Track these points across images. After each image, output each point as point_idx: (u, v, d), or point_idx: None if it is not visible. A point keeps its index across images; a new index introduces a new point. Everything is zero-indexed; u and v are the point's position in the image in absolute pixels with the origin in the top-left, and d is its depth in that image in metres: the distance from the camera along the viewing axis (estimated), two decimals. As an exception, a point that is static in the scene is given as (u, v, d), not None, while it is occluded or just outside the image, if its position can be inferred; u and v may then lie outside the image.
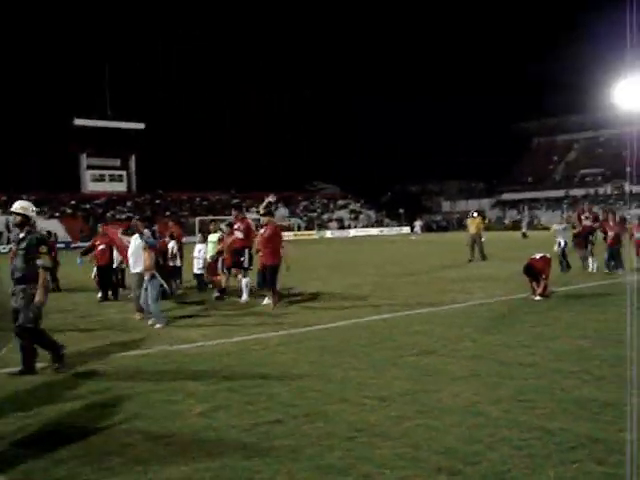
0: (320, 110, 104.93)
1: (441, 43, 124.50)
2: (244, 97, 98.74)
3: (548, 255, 13.53)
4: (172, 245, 15.92)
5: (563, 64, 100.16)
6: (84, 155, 79.78)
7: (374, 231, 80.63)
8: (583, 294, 13.75)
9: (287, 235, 72.51)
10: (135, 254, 12.01)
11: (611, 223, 18.52)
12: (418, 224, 60.56)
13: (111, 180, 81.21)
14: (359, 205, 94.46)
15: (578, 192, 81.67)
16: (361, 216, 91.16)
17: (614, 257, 17.92)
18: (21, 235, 8.02)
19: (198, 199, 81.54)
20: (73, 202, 74.06)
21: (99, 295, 15.53)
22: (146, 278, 11.39)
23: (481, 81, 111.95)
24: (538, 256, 13.27)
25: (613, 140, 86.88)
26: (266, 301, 13.56)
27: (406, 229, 79.94)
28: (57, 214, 68.72)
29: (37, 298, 7.72)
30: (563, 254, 18.38)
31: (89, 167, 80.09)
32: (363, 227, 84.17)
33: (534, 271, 13.00)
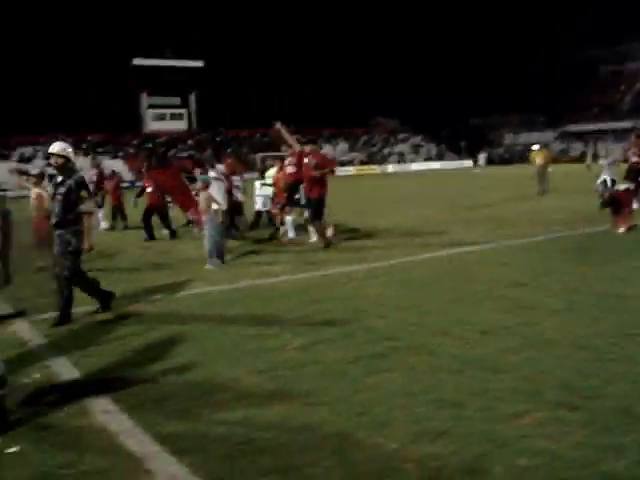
0: (379, 43, 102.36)
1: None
2: (304, 31, 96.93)
3: (631, 186, 13.02)
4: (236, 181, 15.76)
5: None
6: (144, 94, 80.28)
7: (435, 165, 79.56)
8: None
9: (347, 170, 72.77)
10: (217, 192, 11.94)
11: None
12: (482, 157, 59.32)
13: (172, 119, 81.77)
14: (419, 139, 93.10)
15: (648, 123, 78.50)
16: (421, 150, 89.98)
17: None
18: (59, 178, 7.58)
19: (258, 135, 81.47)
20: (135, 142, 74.95)
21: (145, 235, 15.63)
22: (204, 219, 11.22)
23: (545, 7, 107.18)
24: (622, 187, 12.77)
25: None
26: (313, 239, 13.08)
27: (467, 162, 78.60)
28: (120, 154, 69.71)
29: (85, 244, 7.51)
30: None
31: (150, 106, 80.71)
32: (424, 161, 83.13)
33: (617, 203, 12.52)
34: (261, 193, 15.99)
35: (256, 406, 4.57)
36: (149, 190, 16.06)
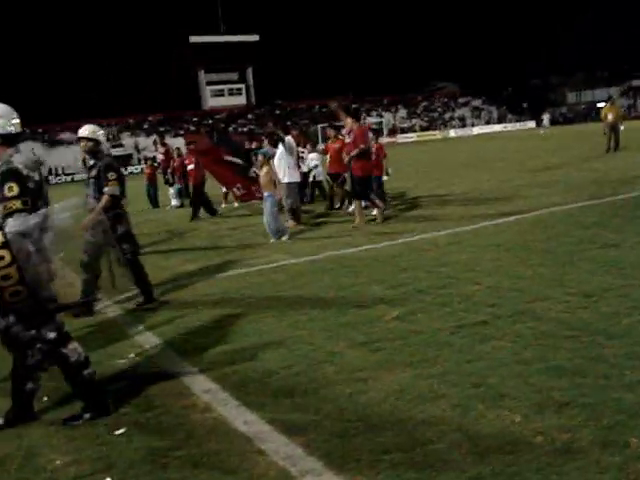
0: (434, 9, 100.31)
1: None
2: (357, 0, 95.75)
3: None
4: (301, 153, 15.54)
5: None
6: (202, 71, 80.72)
7: (497, 127, 77.99)
8: None
9: (409, 137, 71.90)
10: (279, 165, 11.88)
11: None
12: (546, 117, 57.63)
13: (230, 94, 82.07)
14: (480, 102, 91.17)
15: None
16: (483, 113, 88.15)
17: None
18: (92, 162, 7.40)
19: (317, 106, 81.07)
20: (195, 119, 75.53)
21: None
22: (265, 194, 11.01)
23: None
24: None
25: None
26: (375, 212, 12.20)
27: (531, 124, 76.63)
28: (181, 132, 70.38)
29: (84, 222, 6.88)
30: None
31: (208, 83, 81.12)
32: (486, 124, 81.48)
33: None
34: (313, 165, 15.76)
35: (364, 380, 4.45)
36: (191, 167, 16.15)
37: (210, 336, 5.91)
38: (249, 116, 77.56)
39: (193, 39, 79.74)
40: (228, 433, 3.92)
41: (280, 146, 12.24)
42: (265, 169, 10.85)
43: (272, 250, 10.05)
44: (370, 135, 12.45)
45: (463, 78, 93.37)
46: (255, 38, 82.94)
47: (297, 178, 12.62)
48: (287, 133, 13.14)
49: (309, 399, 4.26)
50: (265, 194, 10.90)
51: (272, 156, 11.70)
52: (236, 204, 16.85)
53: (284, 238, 10.77)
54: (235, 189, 14.88)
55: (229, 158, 14.68)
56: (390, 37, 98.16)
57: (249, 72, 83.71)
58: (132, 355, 5.63)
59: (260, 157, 11.13)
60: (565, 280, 6.46)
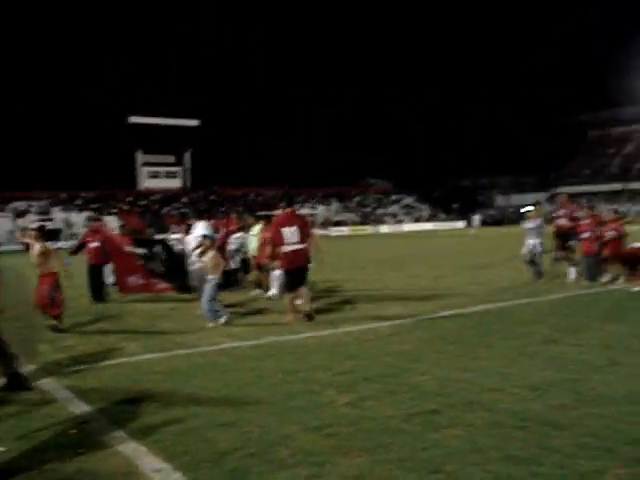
0: (369, 107, 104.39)
1: (495, 36, 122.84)
2: (297, 94, 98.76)
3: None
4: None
5: (619, 55, 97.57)
6: (140, 152, 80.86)
7: (428, 226, 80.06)
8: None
9: (341, 230, 73.00)
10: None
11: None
12: (477, 217, 59.78)
13: (166, 176, 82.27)
14: (412, 200, 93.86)
15: (636, 185, 79.61)
16: (413, 211, 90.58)
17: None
18: None
19: (252, 195, 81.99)
20: (130, 199, 75.15)
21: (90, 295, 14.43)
22: (209, 277, 10.83)
23: (532, 76, 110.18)
24: (638, 245, 12.82)
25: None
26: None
27: (460, 223, 79.07)
28: (115, 210, 69.77)
29: None
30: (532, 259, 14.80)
31: (144, 164, 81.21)
32: (416, 222, 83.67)
33: (635, 260, 12.55)
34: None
35: (319, 464, 4.40)
36: (94, 245, 14.68)
37: (156, 415, 5.75)
38: (184, 199, 77.62)
39: (132, 119, 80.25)
40: (183, 514, 3.81)
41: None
42: (211, 253, 10.87)
43: (213, 333, 9.93)
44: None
45: (396, 176, 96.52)
46: (195, 123, 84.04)
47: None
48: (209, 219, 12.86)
49: (267, 481, 4.19)
50: (209, 277, 10.82)
51: (215, 239, 11.78)
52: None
53: (222, 320, 10.64)
54: (133, 278, 14.32)
55: (130, 249, 14.30)
56: (327, 132, 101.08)
57: (187, 156, 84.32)
58: (74, 431, 5.41)
59: (206, 241, 11.13)
60: (510, 374, 6.61)
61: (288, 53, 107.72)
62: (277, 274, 13.06)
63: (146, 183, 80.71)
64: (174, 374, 7.31)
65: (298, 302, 10.73)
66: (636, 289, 12.32)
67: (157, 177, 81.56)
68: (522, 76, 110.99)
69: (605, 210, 15.26)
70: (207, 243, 11.07)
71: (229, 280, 15.33)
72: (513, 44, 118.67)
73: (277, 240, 10.69)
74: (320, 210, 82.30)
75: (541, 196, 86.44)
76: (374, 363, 7.39)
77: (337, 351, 8.19)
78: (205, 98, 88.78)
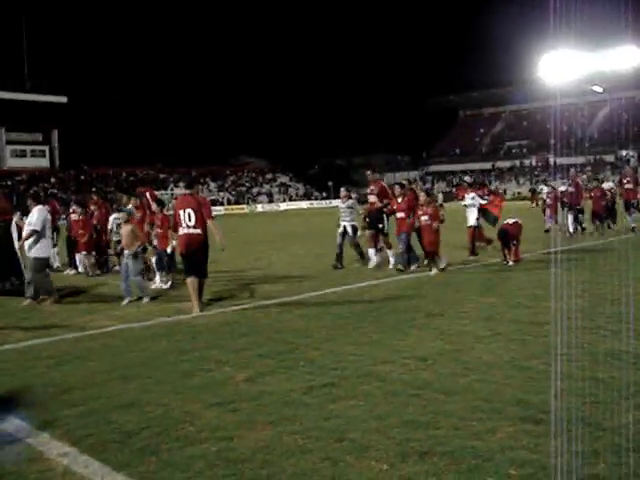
0: (243, 83, 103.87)
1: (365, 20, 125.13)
2: (167, 69, 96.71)
3: (519, 220, 13.86)
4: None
5: (489, 36, 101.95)
6: (2, 129, 76.61)
7: (304, 204, 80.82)
8: (546, 260, 14.19)
9: (217, 210, 72.42)
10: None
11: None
12: (353, 196, 60.85)
13: (33, 155, 78.45)
14: (288, 179, 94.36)
15: (504, 164, 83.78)
16: (290, 190, 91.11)
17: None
18: None
19: (124, 174, 79.74)
20: (-7, 178, 71.27)
21: None
22: (126, 252, 10.91)
23: (405, 52, 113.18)
24: (511, 221, 13.56)
25: (538, 113, 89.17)
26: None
27: (336, 202, 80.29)
28: (-24, 192, 65.98)
29: None
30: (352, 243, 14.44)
31: (8, 142, 77.00)
32: (291, 200, 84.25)
33: (508, 236, 13.29)
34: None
35: (228, 439, 4.50)
36: None
37: (53, 400, 5.63)
38: (52, 179, 74.40)
39: (-6, 94, 75.88)
40: (96, 495, 3.80)
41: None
42: (126, 227, 10.96)
43: (99, 316, 9.72)
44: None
45: (271, 155, 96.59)
46: (63, 99, 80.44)
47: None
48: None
49: (176, 457, 4.23)
50: (126, 252, 10.76)
51: (132, 214, 11.70)
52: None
53: (145, 300, 10.74)
54: None
55: None
56: (200, 109, 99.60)
57: (54, 134, 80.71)
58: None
59: (123, 214, 11.17)
60: (400, 346, 6.93)
61: (159, 26, 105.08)
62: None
63: (10, 162, 76.60)
64: (65, 358, 7.14)
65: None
66: (511, 263, 13.08)
67: (23, 156, 77.58)
68: (395, 55, 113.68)
69: (420, 190, 14.21)
70: (123, 216, 11.16)
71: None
72: (387, 19, 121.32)
73: (174, 222, 10.39)
74: (202, 192, 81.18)
75: (415, 174, 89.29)
76: (267, 340, 7.52)
77: (228, 330, 8.27)
78: (72, 74, 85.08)
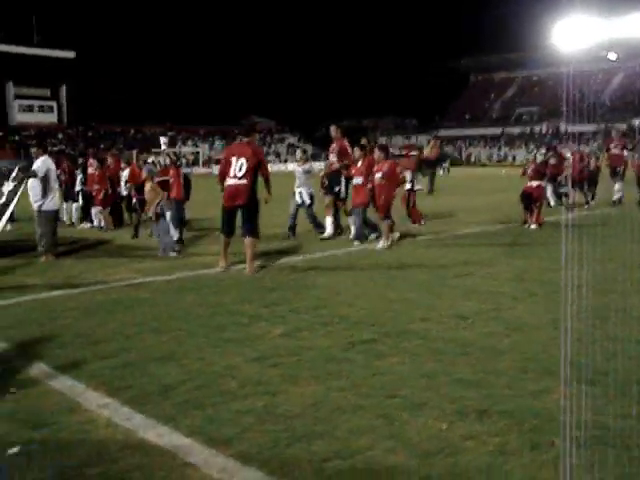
0: (254, 42, 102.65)
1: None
2: (177, 28, 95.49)
3: (543, 183, 13.63)
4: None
5: (503, 0, 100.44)
6: (10, 84, 75.92)
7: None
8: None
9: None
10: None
11: None
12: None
13: (40, 111, 77.83)
14: (296, 139, 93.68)
15: (514, 130, 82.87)
16: (297, 150, 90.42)
17: None
18: None
19: (132, 132, 79.21)
20: (1, 133, 70.80)
21: None
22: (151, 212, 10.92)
23: (417, 14, 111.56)
24: (535, 184, 13.31)
25: (550, 79, 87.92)
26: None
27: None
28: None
29: None
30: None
31: (17, 97, 76.33)
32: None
33: (530, 199, 13.07)
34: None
35: (272, 394, 4.35)
36: None
37: (85, 349, 5.50)
38: (60, 135, 73.95)
39: (1, 47, 74.91)
40: (144, 447, 3.66)
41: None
42: (149, 185, 10.70)
43: (119, 269, 9.56)
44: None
45: (279, 115, 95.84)
46: (71, 55, 79.57)
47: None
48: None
49: (221, 412, 4.09)
50: (152, 210, 10.78)
51: (155, 173, 11.38)
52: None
53: (172, 254, 10.59)
54: None
55: None
56: (209, 69, 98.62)
57: (62, 90, 80.00)
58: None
59: (144, 172, 10.93)
60: (435, 304, 6.78)
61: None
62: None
63: (18, 117, 76.04)
64: (91, 309, 7.01)
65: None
66: (533, 227, 12.87)
67: (31, 111, 76.96)
68: (407, 16, 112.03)
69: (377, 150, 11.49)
70: (146, 175, 10.96)
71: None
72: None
73: (221, 171, 9.42)
74: (202, 148, 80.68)
75: (423, 138, 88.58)
76: (297, 295, 7.37)
77: (256, 285, 8.12)
78: (81, 28, 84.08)
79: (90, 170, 15.30)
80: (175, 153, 13.24)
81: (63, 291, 8.07)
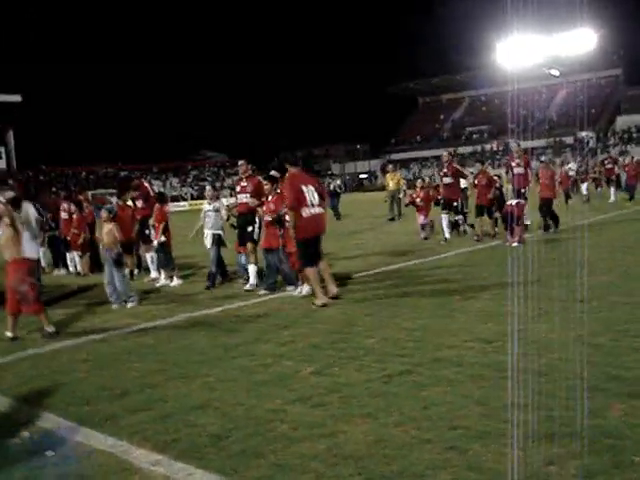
0: (201, 79, 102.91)
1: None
2: (125, 67, 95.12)
3: (522, 201, 13.82)
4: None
5: (447, 23, 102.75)
6: (-45, 130, 74.37)
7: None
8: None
9: (181, 205, 71.58)
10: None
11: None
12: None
13: (-12, 157, 76.34)
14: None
15: (466, 149, 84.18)
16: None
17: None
18: None
19: (84, 173, 78.29)
20: (-54, 183, 69.20)
21: None
22: (106, 253, 10.16)
23: (360, 44, 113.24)
24: (514, 202, 13.50)
25: (496, 98, 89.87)
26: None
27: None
28: None
29: None
30: None
31: (-38, 143, 74.79)
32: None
33: (512, 217, 13.22)
34: None
35: (330, 435, 4.25)
36: None
37: (114, 403, 5.32)
38: (10, 181, 72.51)
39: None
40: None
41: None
42: (108, 226, 10.12)
43: (115, 316, 9.36)
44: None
45: (231, 148, 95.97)
46: (17, 98, 78.31)
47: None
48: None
49: (286, 458, 3.99)
50: (106, 253, 10.13)
51: (116, 214, 10.94)
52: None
53: (130, 304, 9.97)
54: None
55: None
56: (158, 106, 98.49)
57: (10, 135, 78.65)
58: (26, 434, 4.87)
59: (104, 213, 10.35)
60: (453, 330, 6.78)
61: (115, 18, 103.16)
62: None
63: (-35, 164, 74.44)
64: (103, 360, 6.81)
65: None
66: (515, 244, 13.02)
67: (-23, 158, 75.43)
68: (353, 45, 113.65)
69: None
70: (105, 216, 10.30)
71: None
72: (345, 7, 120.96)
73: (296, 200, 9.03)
74: (157, 185, 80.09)
75: (376, 163, 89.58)
76: (312, 331, 7.30)
77: (266, 322, 8.01)
78: (27, 71, 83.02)
79: (64, 215, 15.03)
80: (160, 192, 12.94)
81: (64, 342, 7.82)
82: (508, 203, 13.59)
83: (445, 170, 15.63)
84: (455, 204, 15.60)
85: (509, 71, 75.50)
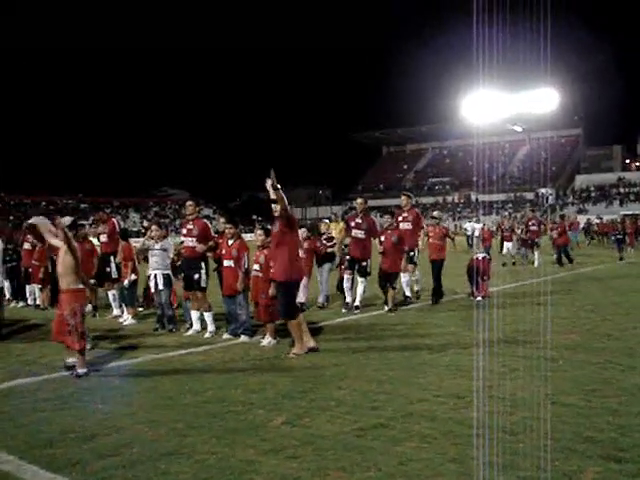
0: (165, 113, 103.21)
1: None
2: (88, 100, 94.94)
3: (488, 256, 14.02)
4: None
5: (414, 75, 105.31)
6: None
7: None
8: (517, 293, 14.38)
9: (140, 241, 70.83)
10: None
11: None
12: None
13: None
14: (211, 211, 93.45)
15: (428, 200, 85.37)
16: (213, 222, 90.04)
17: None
18: None
19: (44, 203, 77.20)
20: None
21: None
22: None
23: (329, 89, 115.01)
24: (480, 257, 13.68)
25: (460, 151, 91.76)
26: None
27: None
28: None
29: None
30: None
31: None
32: (217, 233, 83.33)
33: (477, 272, 13.38)
34: None
35: (305, 487, 4.22)
36: None
37: (82, 448, 5.16)
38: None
39: None
40: None
41: None
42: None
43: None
44: None
45: (194, 187, 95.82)
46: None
47: None
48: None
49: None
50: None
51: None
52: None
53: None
54: None
55: None
56: (120, 140, 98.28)
57: (-33, 162, 77.47)
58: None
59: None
60: (424, 384, 6.79)
61: (79, 46, 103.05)
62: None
63: None
64: (66, 399, 6.64)
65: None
66: (479, 299, 13.11)
67: None
68: (320, 91, 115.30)
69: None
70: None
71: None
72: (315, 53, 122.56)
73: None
74: (117, 220, 79.23)
75: (338, 209, 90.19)
76: (279, 379, 7.22)
77: (232, 368, 7.91)
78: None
79: (26, 246, 14.76)
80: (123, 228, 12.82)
81: (25, 380, 7.62)
82: (474, 257, 13.76)
83: (405, 214, 13.55)
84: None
85: (473, 125, 77.37)
